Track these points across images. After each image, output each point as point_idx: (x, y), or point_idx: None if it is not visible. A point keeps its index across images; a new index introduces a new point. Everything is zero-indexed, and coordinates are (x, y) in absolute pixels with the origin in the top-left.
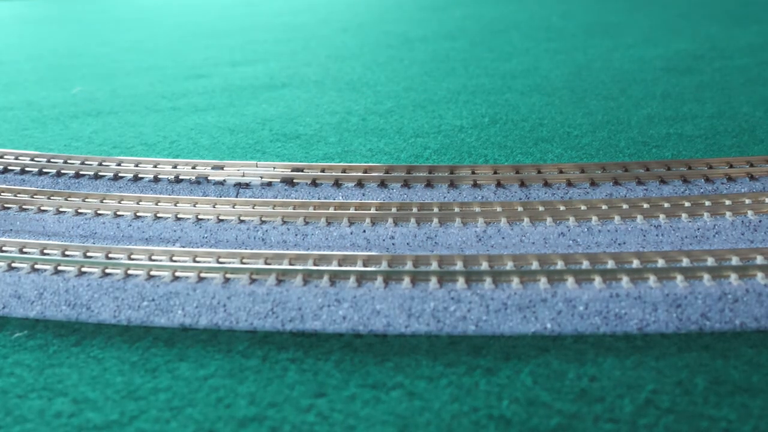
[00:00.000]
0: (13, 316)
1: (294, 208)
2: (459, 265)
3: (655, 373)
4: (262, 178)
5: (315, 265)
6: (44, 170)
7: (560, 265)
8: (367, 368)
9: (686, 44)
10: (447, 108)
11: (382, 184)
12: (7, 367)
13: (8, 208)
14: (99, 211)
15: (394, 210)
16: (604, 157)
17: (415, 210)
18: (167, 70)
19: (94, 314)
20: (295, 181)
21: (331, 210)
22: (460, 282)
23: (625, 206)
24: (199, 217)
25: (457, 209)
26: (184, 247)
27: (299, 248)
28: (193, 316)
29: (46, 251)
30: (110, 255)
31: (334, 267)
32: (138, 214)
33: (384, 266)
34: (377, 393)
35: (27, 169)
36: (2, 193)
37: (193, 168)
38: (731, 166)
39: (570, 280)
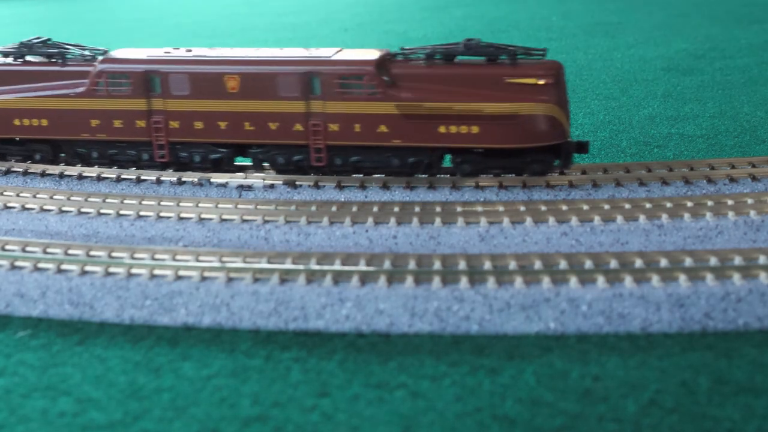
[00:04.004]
0: (16, 315)
1: (296, 208)
2: (462, 265)
3: (659, 372)
4: (264, 180)
5: (318, 264)
6: (47, 172)
7: (563, 264)
8: (370, 368)
9: (687, 44)
10: None
11: (385, 186)
12: (11, 367)
13: (11, 207)
14: (101, 211)
15: (396, 209)
16: (605, 157)
17: (417, 209)
18: None
19: (97, 313)
20: (297, 183)
21: (334, 209)
22: (463, 281)
23: (627, 206)
24: (202, 216)
25: (459, 209)
26: (186, 246)
27: (302, 248)
28: (197, 315)
29: (48, 250)
30: (113, 254)
31: (337, 266)
32: (140, 213)
33: (387, 266)
34: (381, 393)
35: (30, 171)
36: (5, 193)
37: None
38: (733, 167)
39: (573, 280)
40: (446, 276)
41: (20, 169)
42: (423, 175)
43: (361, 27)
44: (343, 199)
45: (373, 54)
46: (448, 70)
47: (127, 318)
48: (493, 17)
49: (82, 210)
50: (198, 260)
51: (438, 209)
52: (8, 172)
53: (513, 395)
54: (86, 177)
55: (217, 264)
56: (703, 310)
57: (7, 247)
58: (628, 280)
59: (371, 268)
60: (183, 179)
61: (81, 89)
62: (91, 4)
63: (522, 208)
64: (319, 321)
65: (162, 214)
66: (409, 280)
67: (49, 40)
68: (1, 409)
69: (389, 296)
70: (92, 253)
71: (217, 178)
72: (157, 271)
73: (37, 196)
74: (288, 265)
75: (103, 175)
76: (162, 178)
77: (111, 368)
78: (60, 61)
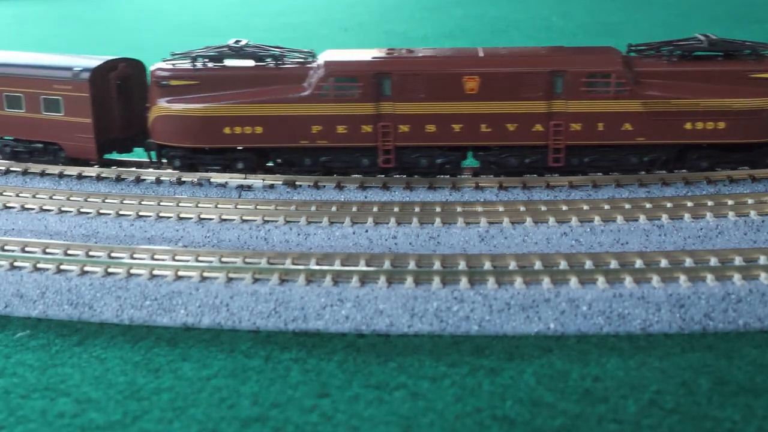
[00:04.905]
0: (15, 316)
1: (296, 208)
2: (462, 265)
3: (659, 373)
4: (264, 180)
5: (318, 264)
6: (47, 171)
7: (563, 265)
8: (370, 368)
9: None
10: None
11: (384, 186)
12: (10, 367)
13: (10, 207)
14: (101, 211)
15: (396, 210)
16: None
17: (417, 210)
18: None
19: (97, 313)
20: (297, 183)
21: (334, 210)
22: (463, 282)
23: (627, 206)
24: (202, 216)
25: (459, 209)
26: (186, 246)
27: (302, 248)
28: (196, 315)
29: (48, 250)
30: (112, 254)
31: (336, 267)
32: (140, 213)
33: (387, 266)
34: (380, 393)
35: (30, 170)
36: (5, 193)
37: (196, 170)
38: (733, 168)
39: (573, 280)
40: (446, 276)
41: (19, 169)
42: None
43: (361, 27)
44: (342, 200)
45: (609, 51)
46: (692, 66)
47: (127, 318)
48: (493, 17)
49: (82, 210)
50: (198, 260)
51: (438, 209)
52: (8, 171)
53: (513, 396)
54: (86, 177)
55: (216, 264)
56: (703, 310)
57: (7, 247)
58: (628, 281)
59: (371, 269)
60: (182, 179)
61: (304, 94)
62: (91, 4)
63: (522, 209)
64: (318, 321)
65: (162, 214)
66: (409, 280)
67: (248, 42)
68: (1, 409)
69: (389, 296)
70: (92, 253)
71: (217, 178)
72: (156, 272)
73: (37, 196)
74: (288, 266)
75: (103, 175)
76: (161, 178)
77: (110, 369)
78: (273, 64)
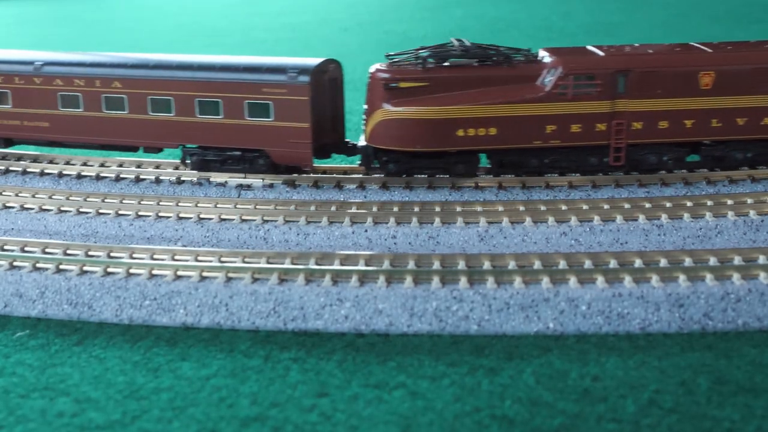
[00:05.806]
0: (14, 315)
1: (295, 208)
2: (461, 265)
3: (658, 372)
4: (263, 180)
5: (317, 264)
6: (46, 171)
7: (563, 264)
8: (369, 368)
9: None
10: None
11: (384, 186)
12: (9, 367)
13: (10, 207)
14: (100, 211)
15: (395, 209)
16: None
17: (416, 209)
18: None
19: (96, 313)
20: (296, 183)
21: (333, 209)
22: (463, 281)
23: (627, 206)
24: (201, 216)
25: (458, 209)
26: (185, 246)
27: (301, 247)
28: (195, 315)
29: (47, 250)
30: (112, 254)
31: (336, 266)
32: (140, 213)
33: (386, 266)
34: (380, 393)
35: (29, 170)
36: (4, 193)
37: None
38: (733, 168)
39: (572, 280)
40: (445, 276)
41: (19, 169)
42: (422, 175)
43: (361, 27)
44: (342, 199)
45: None
46: None
47: (126, 318)
48: (493, 17)
49: (81, 210)
50: (197, 260)
51: (437, 209)
52: (7, 171)
53: (512, 395)
54: (85, 176)
55: (216, 264)
56: (702, 310)
57: (6, 246)
58: (628, 280)
59: (370, 268)
60: (182, 178)
61: (541, 93)
62: (91, 4)
63: (521, 208)
64: (318, 321)
65: (161, 214)
66: (408, 280)
67: (465, 41)
68: (0, 409)
69: (388, 296)
70: (91, 252)
71: (217, 177)
72: (156, 271)
73: (36, 195)
74: (287, 265)
75: (102, 175)
76: (161, 178)
77: (110, 368)
78: (503, 64)
